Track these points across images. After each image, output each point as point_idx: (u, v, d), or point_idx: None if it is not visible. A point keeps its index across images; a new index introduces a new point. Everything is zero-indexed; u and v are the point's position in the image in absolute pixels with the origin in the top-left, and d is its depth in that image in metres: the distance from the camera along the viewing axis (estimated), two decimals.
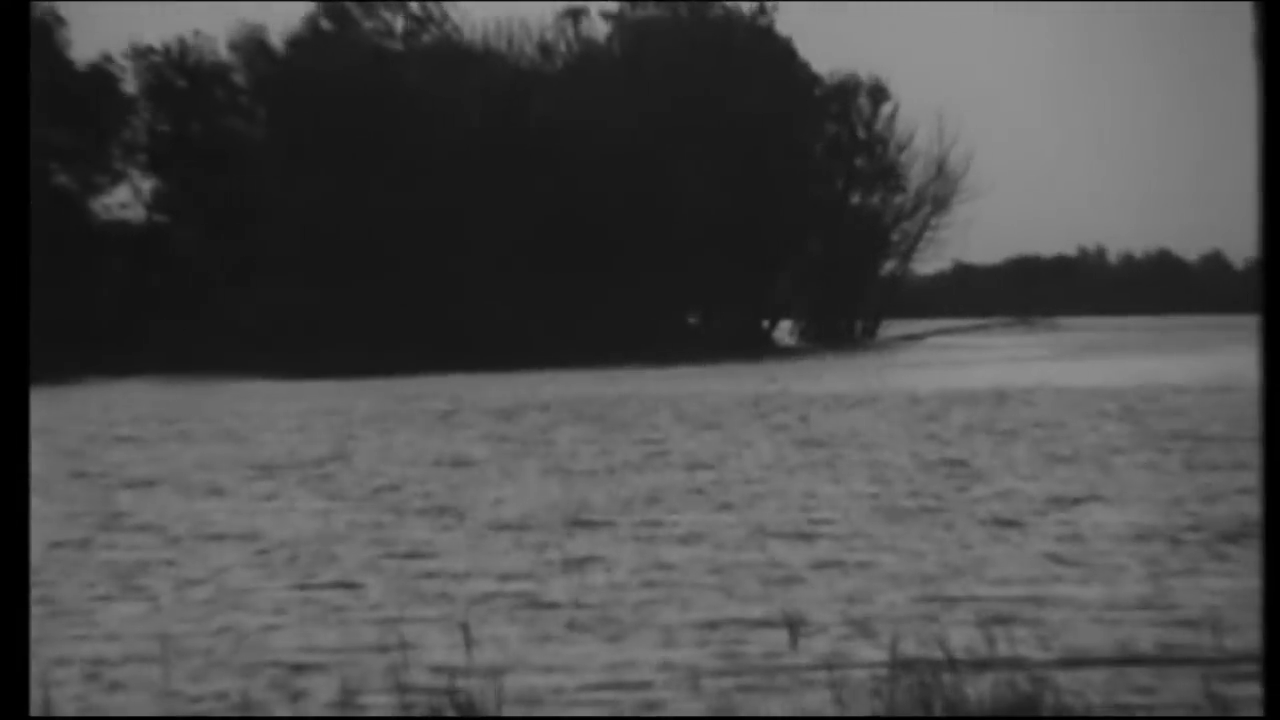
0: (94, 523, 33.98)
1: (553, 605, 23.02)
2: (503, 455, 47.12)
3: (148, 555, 29.07)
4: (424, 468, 43.91)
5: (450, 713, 13.98)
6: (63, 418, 69.17)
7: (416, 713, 13.89)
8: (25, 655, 9.39)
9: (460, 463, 45.08)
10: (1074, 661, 18.58)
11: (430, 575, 25.93)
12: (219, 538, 31.11)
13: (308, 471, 43.61)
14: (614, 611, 22.55)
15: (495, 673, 13.94)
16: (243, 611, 23.25)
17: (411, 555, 28.14)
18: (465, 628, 17.49)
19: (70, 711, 17.00)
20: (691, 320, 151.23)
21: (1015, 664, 17.64)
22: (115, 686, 18.54)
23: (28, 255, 9.94)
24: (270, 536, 31.09)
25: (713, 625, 21.35)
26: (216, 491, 39.37)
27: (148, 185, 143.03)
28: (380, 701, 16.77)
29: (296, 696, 17.63)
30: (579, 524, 31.71)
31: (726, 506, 33.98)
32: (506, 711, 14.42)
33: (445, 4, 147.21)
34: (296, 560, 27.96)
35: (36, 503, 37.58)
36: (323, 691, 17.79)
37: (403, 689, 13.76)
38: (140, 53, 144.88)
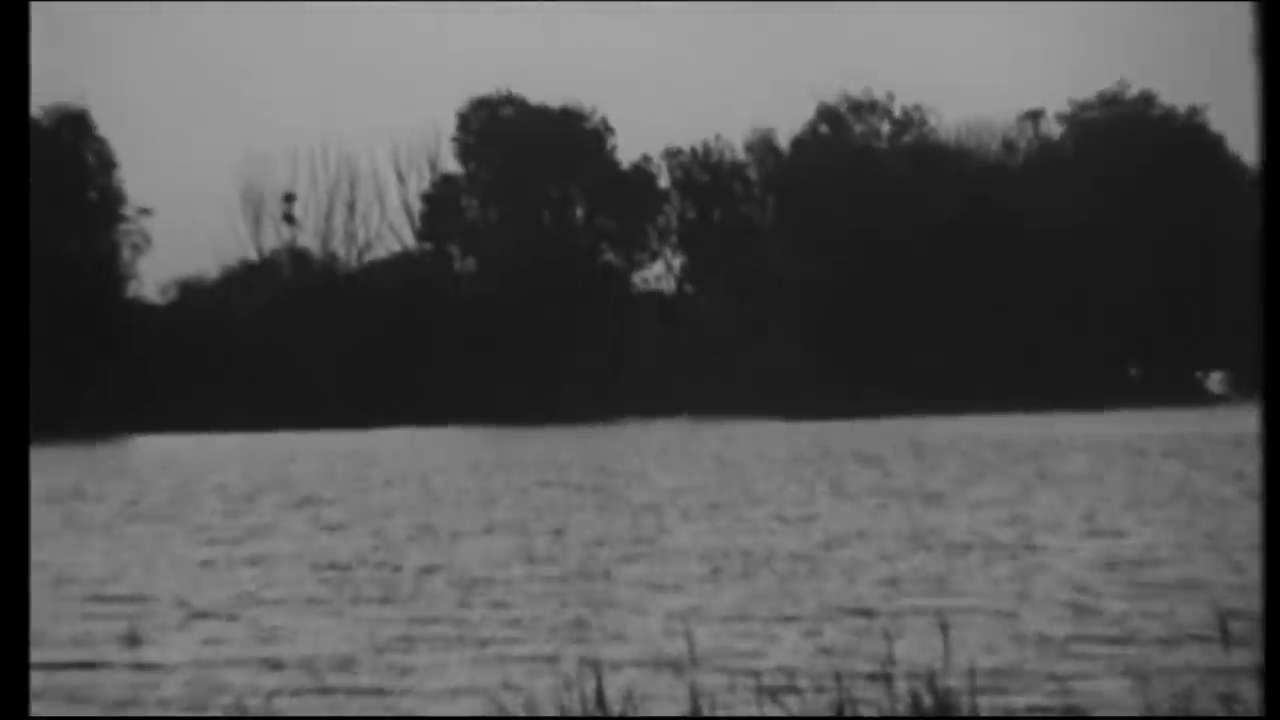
0: (606, 541, 33.37)
1: (1007, 614, 21.65)
2: (955, 484, 45.56)
3: (640, 570, 28.29)
4: (885, 496, 42.61)
5: (928, 700, 12.77)
6: (590, 452, 69.39)
7: (900, 703, 12.63)
8: (25, 655, 8.28)
9: (921, 494, 43.69)
10: None
11: (893, 584, 24.65)
12: (682, 552, 30.23)
13: (786, 498, 42.64)
14: (1050, 622, 21.05)
15: (971, 672, 12.82)
16: (713, 620, 22.19)
17: (850, 566, 26.89)
18: (944, 629, 16.28)
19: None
20: (1132, 372, 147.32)
21: None
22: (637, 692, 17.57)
23: (28, 276, 8.91)
24: (753, 552, 30.10)
25: (1134, 638, 19.69)
26: (702, 514, 38.56)
27: (677, 261, 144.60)
28: (867, 695, 15.53)
29: (777, 690, 16.40)
30: (1017, 545, 30.12)
31: (1153, 530, 31.96)
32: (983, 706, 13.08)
33: (924, 108, 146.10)
34: (766, 574, 26.87)
35: (574, 522, 37.10)
36: (810, 686, 16.59)
37: (887, 679, 12.59)
38: (672, 154, 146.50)
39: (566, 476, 53.80)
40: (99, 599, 26.38)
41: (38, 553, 34.52)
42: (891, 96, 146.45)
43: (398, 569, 29.14)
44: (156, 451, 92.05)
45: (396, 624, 22.54)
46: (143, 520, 41.98)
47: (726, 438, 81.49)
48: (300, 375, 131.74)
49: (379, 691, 17.81)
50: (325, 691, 17.89)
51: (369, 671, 18.99)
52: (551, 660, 19.15)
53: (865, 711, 12.64)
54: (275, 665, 19.45)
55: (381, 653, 20.14)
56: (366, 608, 24.28)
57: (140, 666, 19.64)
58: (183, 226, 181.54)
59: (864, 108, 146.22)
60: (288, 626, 22.68)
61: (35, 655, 20.89)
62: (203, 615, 23.96)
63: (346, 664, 19.50)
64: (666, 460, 61.81)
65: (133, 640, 21.61)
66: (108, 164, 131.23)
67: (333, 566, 29.97)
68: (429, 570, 28.91)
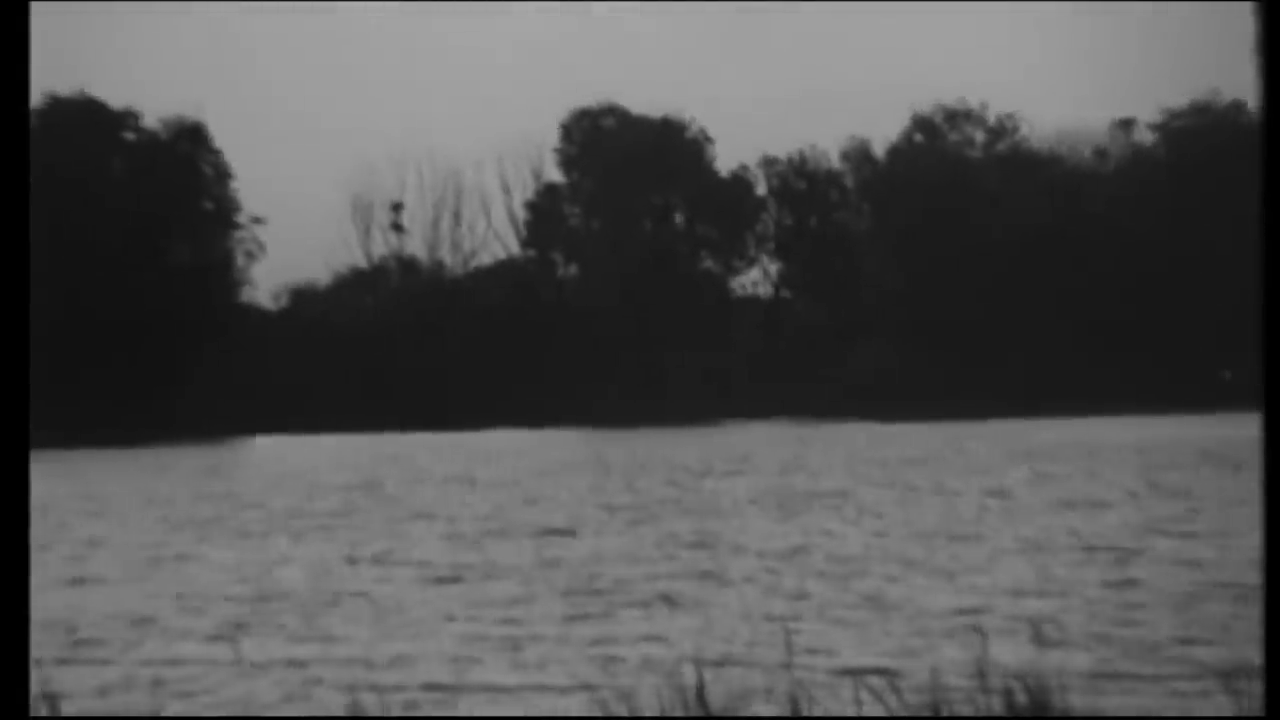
0: (659, 540, 33.13)
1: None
2: (1043, 484, 45.04)
3: (701, 565, 28.05)
4: (974, 496, 42.20)
5: (1022, 699, 12.46)
6: (687, 453, 69.08)
7: (996, 699, 12.35)
8: (25, 655, 8.08)
9: (998, 493, 43.23)
10: None
11: (967, 586, 24.31)
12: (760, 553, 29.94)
13: (877, 499, 42.23)
14: (1137, 623, 20.67)
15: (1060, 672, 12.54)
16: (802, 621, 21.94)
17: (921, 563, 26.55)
18: (1035, 628, 15.99)
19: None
20: (1225, 375, 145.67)
21: None
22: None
23: (28, 275, 8.69)
24: (827, 551, 29.81)
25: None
26: (794, 513, 38.23)
27: (774, 267, 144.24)
28: (960, 684, 15.24)
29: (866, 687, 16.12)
30: (1099, 546, 29.68)
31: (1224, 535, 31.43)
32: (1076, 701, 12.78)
33: (1016, 116, 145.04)
34: (855, 573, 26.57)
35: (669, 521, 36.86)
36: (904, 685, 16.30)
37: (981, 675, 12.34)
38: (769, 162, 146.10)
39: (662, 476, 53.60)
40: (199, 596, 26.42)
41: (144, 551, 34.66)
42: (985, 105, 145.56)
43: (493, 568, 29.04)
44: (267, 453, 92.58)
45: (493, 623, 22.42)
46: (250, 519, 42.13)
47: (822, 439, 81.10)
48: (408, 379, 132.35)
49: (484, 689, 17.67)
50: (430, 689, 17.78)
51: (472, 670, 18.87)
52: (650, 658, 18.99)
53: (962, 710, 12.36)
54: (368, 665, 19.36)
55: (481, 650, 20.02)
56: (464, 607, 24.19)
57: (239, 664, 19.60)
58: (295, 234, 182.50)
59: (958, 116, 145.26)
60: (389, 624, 22.61)
61: (136, 653, 20.91)
62: (303, 613, 23.92)
63: (449, 662, 19.39)
64: (761, 461, 61.55)
65: (232, 637, 21.60)
66: (223, 174, 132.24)
67: (431, 566, 29.91)
68: (523, 568, 28.81)
